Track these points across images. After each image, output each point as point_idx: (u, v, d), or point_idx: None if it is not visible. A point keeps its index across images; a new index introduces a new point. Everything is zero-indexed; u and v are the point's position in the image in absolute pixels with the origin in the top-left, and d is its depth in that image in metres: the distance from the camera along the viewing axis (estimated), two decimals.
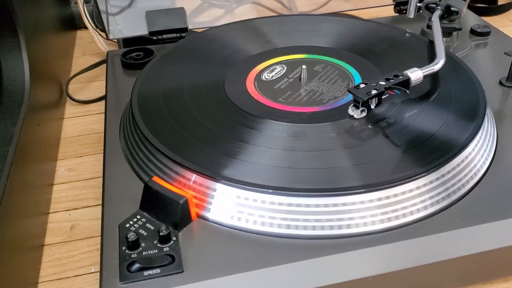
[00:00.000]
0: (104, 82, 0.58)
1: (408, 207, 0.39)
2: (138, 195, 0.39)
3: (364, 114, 0.45)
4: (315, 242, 0.37)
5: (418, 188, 0.39)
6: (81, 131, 0.62)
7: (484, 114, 0.45)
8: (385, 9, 0.77)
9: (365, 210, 0.38)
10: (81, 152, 0.59)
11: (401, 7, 0.73)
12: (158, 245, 0.36)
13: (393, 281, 0.37)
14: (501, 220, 0.38)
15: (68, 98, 0.68)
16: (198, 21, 0.75)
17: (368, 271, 0.36)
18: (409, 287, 0.38)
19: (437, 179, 0.40)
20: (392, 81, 0.46)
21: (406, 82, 0.46)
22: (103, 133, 0.49)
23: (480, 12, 0.78)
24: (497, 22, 0.85)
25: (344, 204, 0.38)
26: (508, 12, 0.90)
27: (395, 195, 0.39)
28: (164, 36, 0.65)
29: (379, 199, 0.38)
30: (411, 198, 0.39)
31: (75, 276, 0.44)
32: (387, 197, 0.38)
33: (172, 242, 0.36)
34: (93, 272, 0.44)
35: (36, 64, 0.55)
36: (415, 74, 0.46)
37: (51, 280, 0.44)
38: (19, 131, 0.45)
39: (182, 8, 0.67)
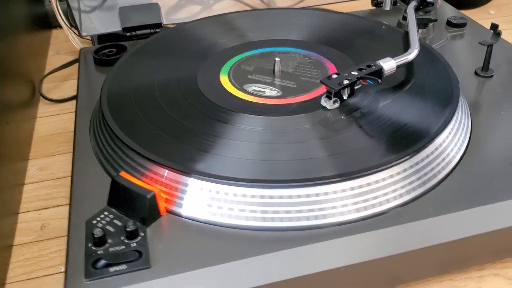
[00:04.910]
0: None
1: (382, 196, 0.38)
2: (107, 192, 0.39)
3: (337, 105, 0.45)
4: (289, 234, 0.36)
5: (392, 176, 0.39)
6: (54, 130, 0.61)
7: (457, 103, 0.45)
8: (362, 3, 0.77)
9: (340, 200, 0.37)
10: (53, 151, 0.58)
11: (378, 0, 0.73)
12: (125, 241, 0.35)
13: (368, 270, 0.36)
14: (474, 208, 0.38)
15: (41, 97, 0.66)
16: (176, 18, 0.74)
17: (343, 261, 0.35)
18: (384, 276, 0.38)
19: (411, 167, 0.39)
20: (364, 71, 0.45)
21: (379, 71, 0.46)
22: None
23: (459, 6, 0.78)
24: (476, 15, 0.85)
25: (318, 194, 0.37)
26: (487, 5, 0.90)
27: (369, 184, 0.38)
28: (138, 32, 0.64)
29: (353, 188, 0.38)
30: (385, 187, 0.38)
31: (44, 275, 0.43)
32: (361, 186, 0.38)
33: (139, 237, 0.35)
34: (63, 272, 0.43)
35: (5, 63, 0.53)
36: (388, 64, 0.46)
37: (20, 281, 0.43)
38: None
39: (156, 4, 0.66)
